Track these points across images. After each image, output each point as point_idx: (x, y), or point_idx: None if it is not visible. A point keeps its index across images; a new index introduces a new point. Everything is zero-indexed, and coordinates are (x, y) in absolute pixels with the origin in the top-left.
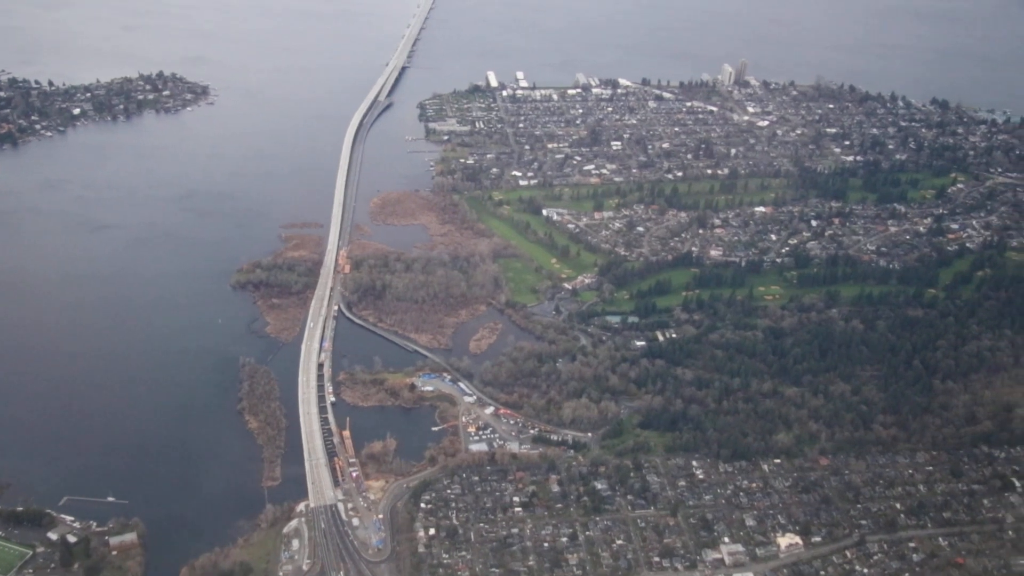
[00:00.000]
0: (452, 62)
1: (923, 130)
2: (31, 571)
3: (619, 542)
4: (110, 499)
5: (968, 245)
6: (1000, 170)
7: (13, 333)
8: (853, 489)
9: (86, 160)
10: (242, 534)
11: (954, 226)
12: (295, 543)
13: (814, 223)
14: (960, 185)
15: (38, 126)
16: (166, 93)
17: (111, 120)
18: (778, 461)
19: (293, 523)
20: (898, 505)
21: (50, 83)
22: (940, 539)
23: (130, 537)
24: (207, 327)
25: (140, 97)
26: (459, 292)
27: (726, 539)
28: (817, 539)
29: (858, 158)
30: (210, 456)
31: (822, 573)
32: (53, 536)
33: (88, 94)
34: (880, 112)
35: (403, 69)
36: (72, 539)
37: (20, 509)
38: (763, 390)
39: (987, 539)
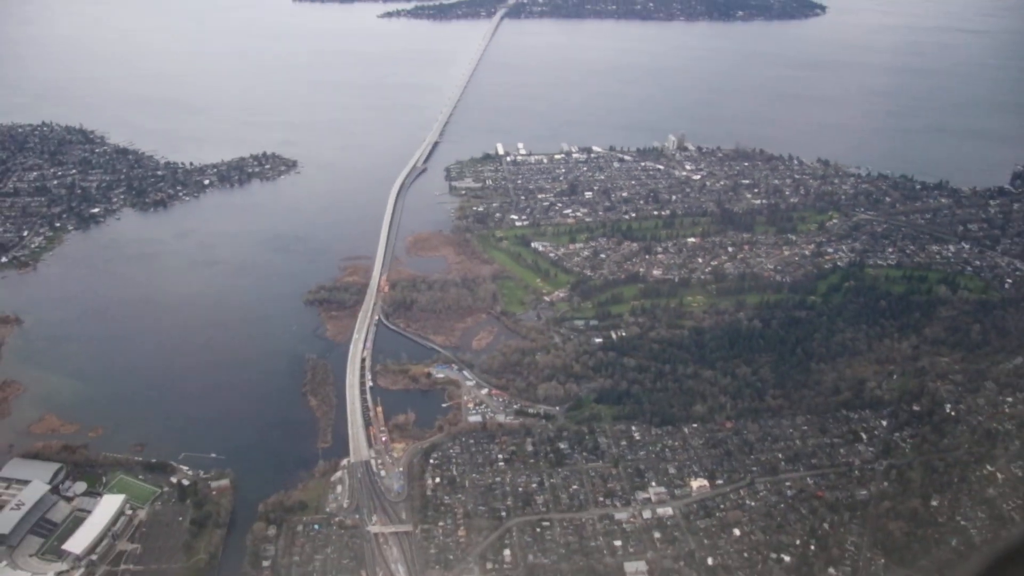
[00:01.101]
0: (472, 137)
1: (811, 181)
2: (159, 504)
3: (574, 487)
4: (212, 455)
5: (839, 264)
6: (863, 210)
7: (149, 336)
8: (748, 444)
9: (209, 216)
10: (302, 481)
11: (830, 250)
12: (339, 488)
13: (730, 249)
14: (835, 220)
15: (181, 193)
16: (267, 167)
17: (229, 187)
18: (695, 425)
19: (338, 474)
20: (780, 455)
21: (191, 163)
22: (808, 479)
23: (224, 483)
24: (284, 333)
25: (249, 170)
26: (466, 304)
27: (653, 483)
28: (720, 482)
29: (763, 201)
30: (283, 425)
31: (721, 505)
32: (174, 480)
33: (215, 170)
34: (781, 168)
35: (436, 143)
36: (186, 483)
37: (153, 461)
38: (687, 373)
39: (840, 477)
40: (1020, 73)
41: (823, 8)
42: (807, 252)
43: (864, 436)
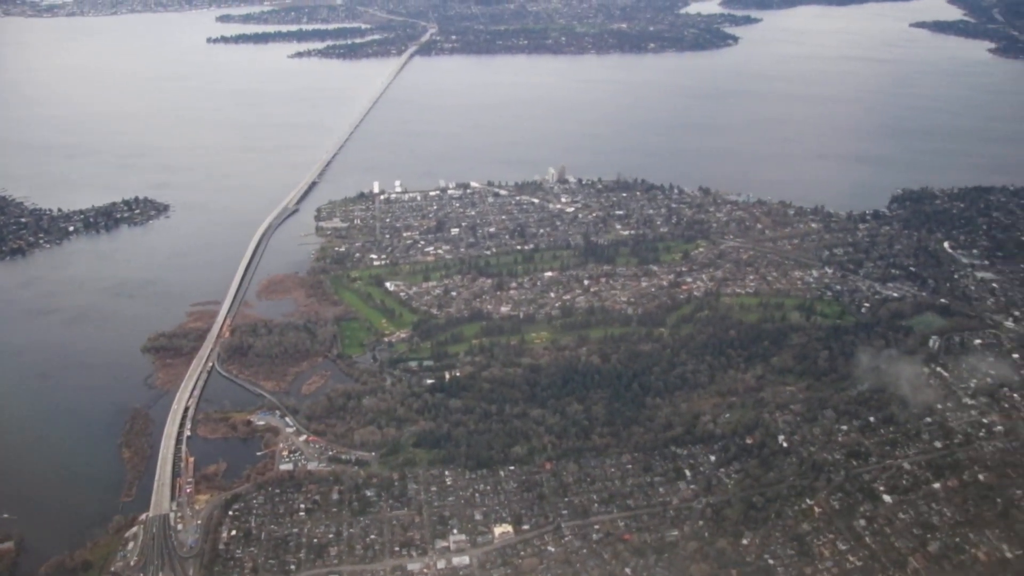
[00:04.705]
0: (352, 176)
1: (687, 210)
2: None
3: (372, 536)
4: (5, 515)
5: (695, 294)
6: (732, 237)
7: None
8: (564, 486)
9: (64, 264)
10: (93, 539)
11: (688, 279)
12: (131, 544)
13: (586, 282)
14: (701, 249)
15: (43, 241)
16: (137, 211)
17: (96, 234)
18: (512, 468)
19: (134, 529)
20: (595, 497)
21: (59, 210)
22: (620, 521)
23: (8, 545)
24: (114, 383)
25: (118, 215)
26: (304, 348)
27: (455, 531)
28: (526, 527)
29: (632, 232)
30: (89, 480)
31: (521, 553)
32: None
33: (82, 216)
34: (660, 198)
35: (314, 183)
36: None
37: None
38: (514, 413)
39: (653, 518)
40: (913, 100)
41: (735, 39)
42: (664, 283)
43: (688, 473)
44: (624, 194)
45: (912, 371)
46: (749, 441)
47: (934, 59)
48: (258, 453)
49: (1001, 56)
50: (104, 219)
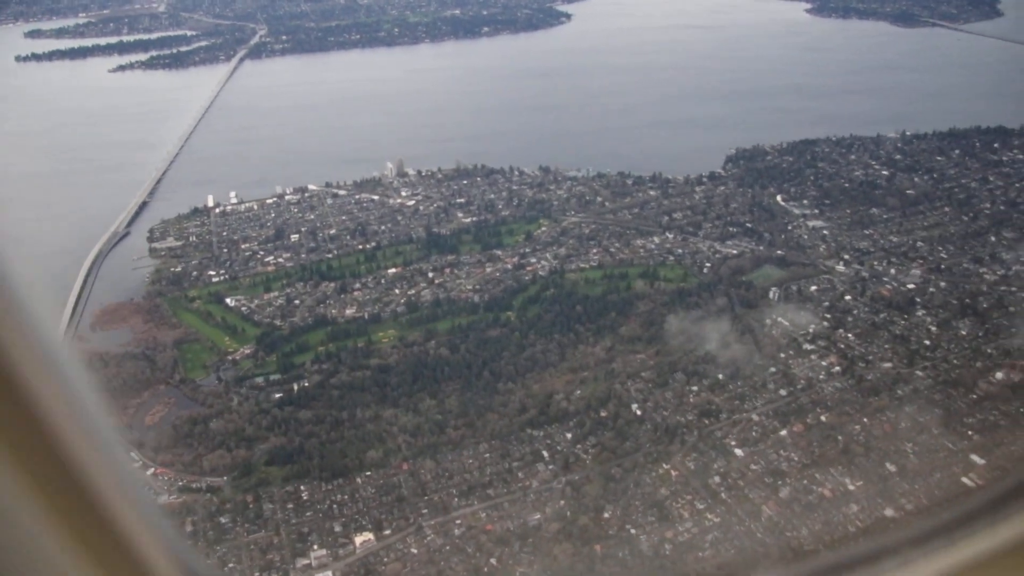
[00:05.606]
0: (185, 192)
1: (527, 190)
2: None
3: (231, 565)
4: None
5: (540, 273)
6: (573, 213)
7: None
8: (423, 485)
9: None
10: None
11: (532, 260)
12: None
13: (431, 275)
14: (544, 228)
15: None
16: None
17: None
18: (369, 473)
19: None
20: (454, 491)
21: None
22: (481, 512)
23: None
24: None
25: None
26: (144, 377)
27: (315, 546)
28: (387, 532)
29: (474, 219)
30: None
31: (385, 559)
32: None
33: None
34: (500, 181)
35: (144, 203)
36: None
37: None
38: (367, 416)
39: (514, 504)
40: (740, 63)
41: (568, 16)
42: (509, 266)
43: (546, 454)
44: (465, 181)
45: (755, 325)
46: (604, 414)
47: (756, 22)
48: None
49: (816, 15)
50: None
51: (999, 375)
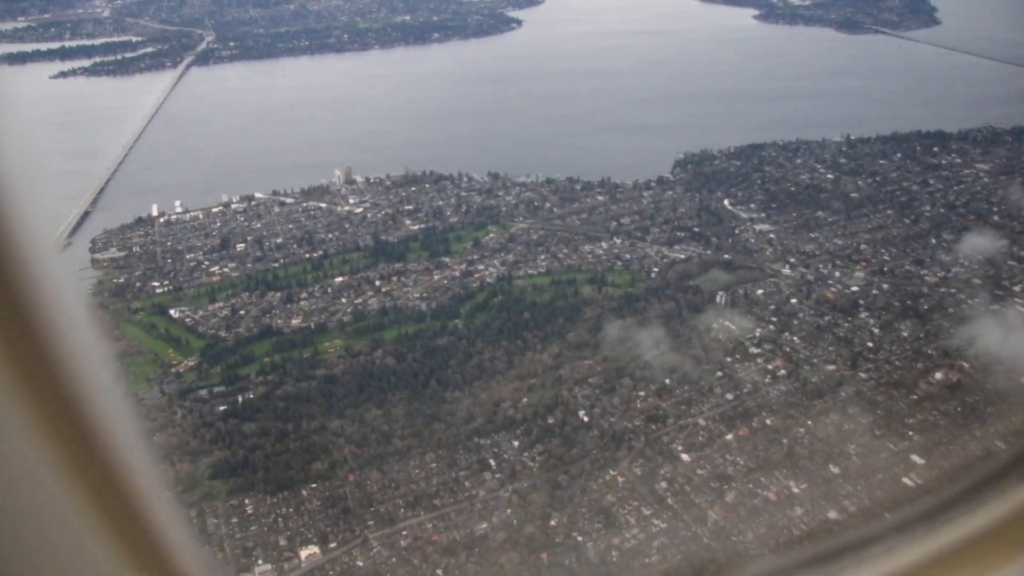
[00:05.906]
0: (129, 201)
1: (476, 197)
2: None
3: None
4: None
5: (488, 280)
6: (522, 219)
7: None
8: (368, 496)
9: None
10: None
11: (480, 267)
12: None
13: (378, 283)
14: (492, 234)
15: None
16: None
17: None
18: (314, 485)
19: None
20: (400, 501)
21: None
22: (428, 523)
23: None
24: None
25: None
26: None
27: (260, 561)
28: (332, 545)
29: (422, 226)
30: None
31: (330, 572)
32: None
33: None
34: (449, 188)
35: (86, 213)
36: None
37: None
38: (312, 428)
39: (460, 514)
40: (688, 67)
41: (519, 22)
42: (457, 273)
43: (492, 463)
44: (413, 188)
45: (702, 329)
46: (551, 421)
47: (705, 27)
48: None
49: (763, 21)
50: None
51: (938, 376)
